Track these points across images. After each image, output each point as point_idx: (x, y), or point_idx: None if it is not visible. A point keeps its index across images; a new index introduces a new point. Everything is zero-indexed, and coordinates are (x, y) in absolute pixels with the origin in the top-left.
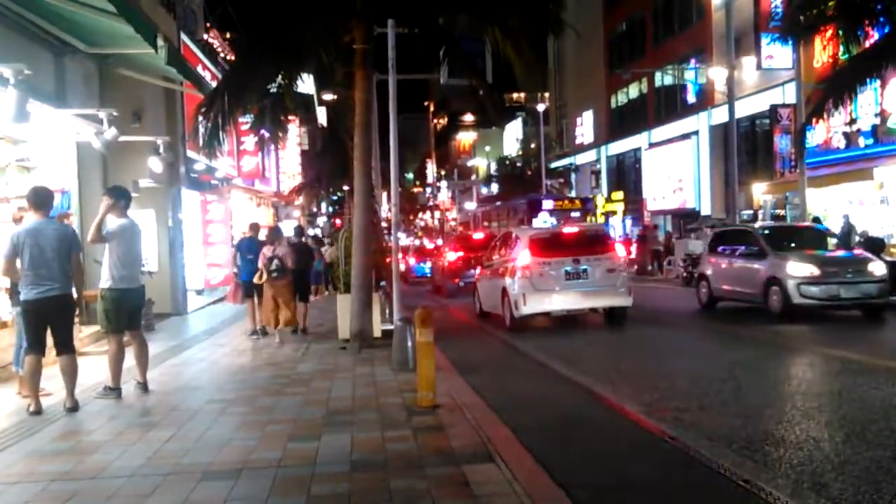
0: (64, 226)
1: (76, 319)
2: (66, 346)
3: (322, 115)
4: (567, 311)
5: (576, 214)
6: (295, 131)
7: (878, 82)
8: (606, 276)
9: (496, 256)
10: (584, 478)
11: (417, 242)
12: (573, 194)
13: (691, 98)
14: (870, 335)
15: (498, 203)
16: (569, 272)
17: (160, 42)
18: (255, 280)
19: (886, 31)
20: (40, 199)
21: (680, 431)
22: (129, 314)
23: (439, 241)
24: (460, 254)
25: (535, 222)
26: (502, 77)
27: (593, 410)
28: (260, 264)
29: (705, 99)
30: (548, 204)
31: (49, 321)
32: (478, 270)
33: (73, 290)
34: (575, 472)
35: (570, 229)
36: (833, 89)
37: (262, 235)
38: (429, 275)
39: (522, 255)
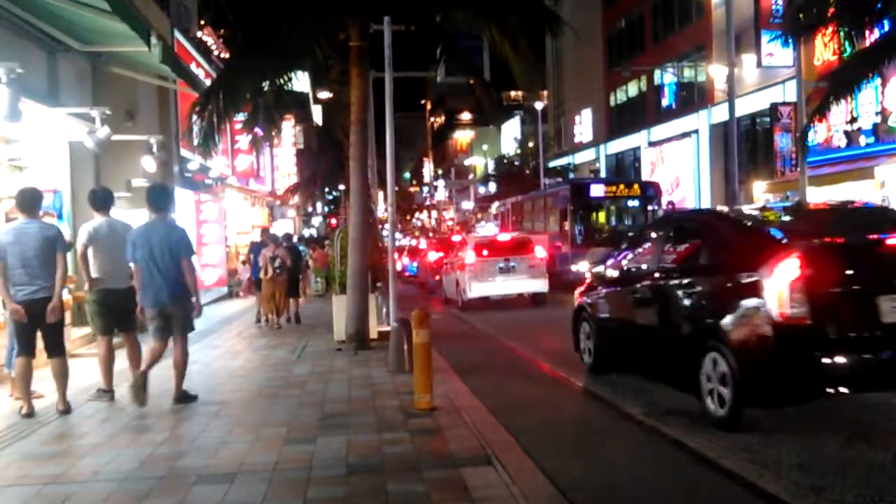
0: (49, 226)
1: (67, 321)
2: (56, 349)
3: (317, 114)
4: (501, 295)
5: (633, 203)
6: (290, 130)
7: (879, 80)
8: (529, 269)
9: (459, 255)
10: (582, 480)
11: (414, 242)
12: None
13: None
14: None
15: (534, 192)
16: (502, 267)
17: (154, 40)
18: (260, 276)
19: (887, 28)
20: (27, 200)
21: (678, 432)
22: (118, 316)
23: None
24: (440, 254)
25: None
26: (500, 75)
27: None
28: (261, 263)
29: (705, 98)
30: (597, 190)
31: (38, 323)
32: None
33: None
34: (573, 474)
35: (503, 237)
36: (834, 87)
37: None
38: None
39: (469, 255)
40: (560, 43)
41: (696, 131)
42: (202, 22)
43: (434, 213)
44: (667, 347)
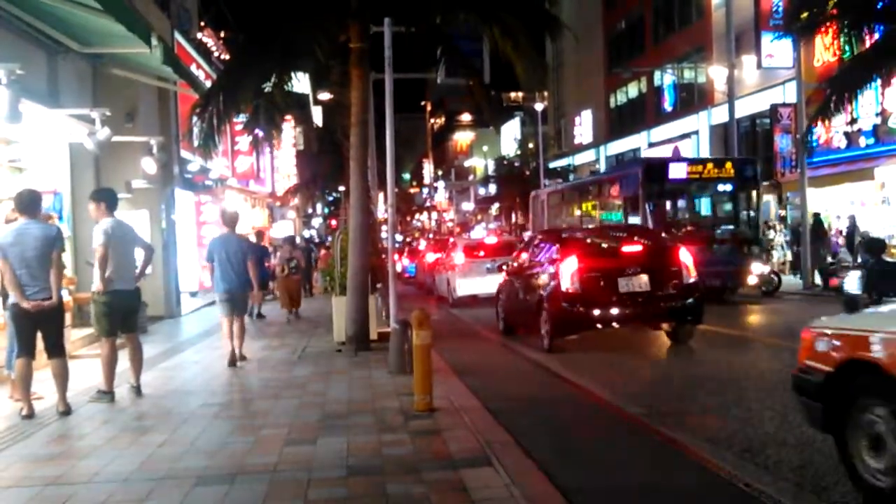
0: (49, 226)
1: (67, 322)
2: (56, 350)
3: (318, 115)
4: (488, 293)
5: (725, 188)
6: (290, 131)
7: (879, 81)
8: None
9: (451, 256)
10: (582, 480)
11: (414, 244)
12: None
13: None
14: None
15: (585, 177)
16: (488, 267)
17: (154, 41)
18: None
19: (888, 30)
20: (25, 201)
21: (682, 434)
22: (124, 317)
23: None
24: (438, 255)
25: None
26: (502, 76)
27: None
28: (276, 261)
29: (705, 99)
30: (677, 171)
31: (38, 324)
32: None
33: (62, 292)
34: (573, 474)
35: (490, 239)
36: (835, 89)
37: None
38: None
39: (458, 257)
40: (560, 44)
41: (697, 132)
42: (202, 23)
43: (434, 215)
44: (527, 311)
